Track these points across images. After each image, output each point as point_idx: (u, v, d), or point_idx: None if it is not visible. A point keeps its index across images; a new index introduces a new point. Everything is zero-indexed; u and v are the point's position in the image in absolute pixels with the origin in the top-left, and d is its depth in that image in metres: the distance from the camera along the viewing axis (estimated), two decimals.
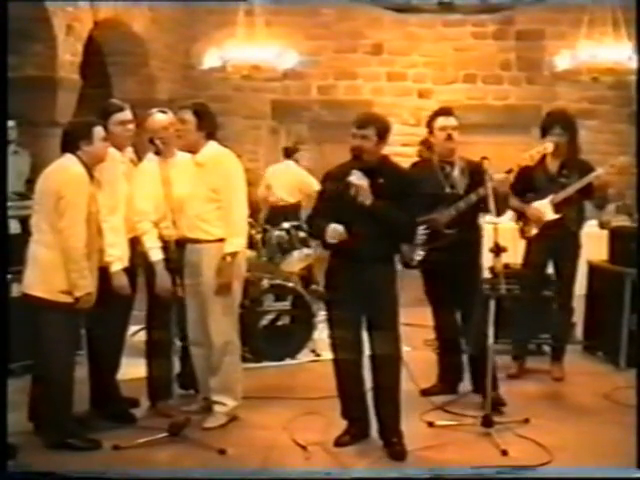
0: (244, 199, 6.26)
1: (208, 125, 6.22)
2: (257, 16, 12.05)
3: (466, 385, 6.98)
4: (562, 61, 12.12)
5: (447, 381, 7.04)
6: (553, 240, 7.34)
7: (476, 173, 6.58)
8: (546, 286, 7.86)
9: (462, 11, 14.37)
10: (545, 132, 7.40)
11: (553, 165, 7.40)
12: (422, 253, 6.67)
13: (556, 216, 7.22)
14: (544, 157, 7.42)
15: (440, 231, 6.65)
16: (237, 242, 6.13)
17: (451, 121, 6.81)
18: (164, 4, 13.32)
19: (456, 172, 6.73)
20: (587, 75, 11.91)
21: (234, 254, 6.08)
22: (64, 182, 5.56)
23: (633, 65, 11.30)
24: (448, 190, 6.66)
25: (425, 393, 6.84)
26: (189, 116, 6.16)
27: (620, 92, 13.28)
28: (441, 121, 6.82)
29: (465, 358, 6.98)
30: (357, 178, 5.61)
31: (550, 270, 7.71)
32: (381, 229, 5.66)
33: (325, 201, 5.95)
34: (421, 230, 6.70)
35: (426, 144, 11.55)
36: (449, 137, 6.75)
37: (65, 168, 5.64)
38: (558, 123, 7.40)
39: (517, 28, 14.44)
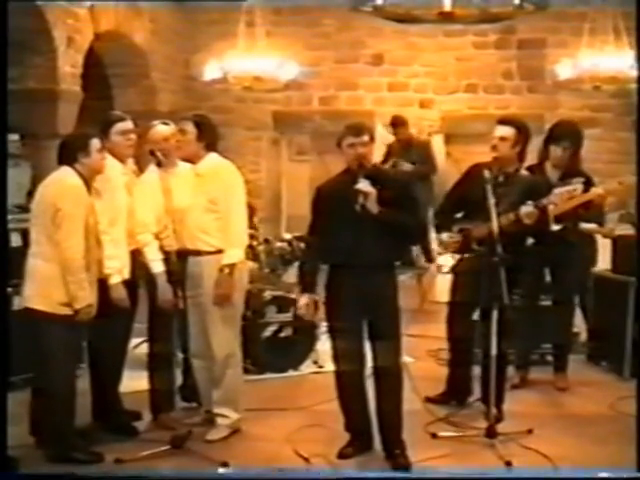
0: (243, 210, 6.24)
1: (208, 136, 6.21)
2: (258, 27, 12.05)
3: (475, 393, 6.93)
4: (564, 70, 12.11)
5: (456, 393, 6.97)
6: (551, 251, 7.29)
7: (530, 191, 6.45)
8: (545, 295, 7.82)
9: (463, 21, 14.31)
10: (551, 141, 7.34)
11: (554, 176, 7.28)
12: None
13: (557, 227, 7.14)
14: (544, 167, 7.37)
15: (470, 244, 6.59)
16: (235, 253, 6.11)
17: (500, 131, 6.63)
18: (165, 15, 13.33)
19: (509, 186, 6.39)
20: (589, 84, 11.90)
21: (232, 265, 6.07)
22: (61, 194, 5.55)
23: (635, 73, 11.30)
24: (492, 202, 6.19)
25: (430, 400, 6.84)
26: (190, 127, 6.15)
27: (622, 100, 13.26)
28: (495, 130, 6.69)
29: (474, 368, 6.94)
30: (365, 185, 5.59)
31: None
32: (383, 237, 5.66)
33: (322, 215, 5.92)
34: (452, 236, 6.67)
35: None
36: (493, 147, 6.63)
37: (62, 180, 5.63)
38: (567, 136, 7.31)
39: (518, 37, 14.44)
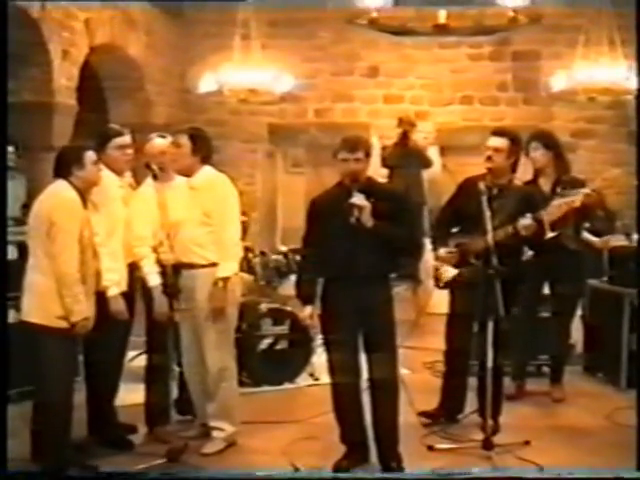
0: (237, 223, 6.24)
1: (203, 149, 6.21)
2: (253, 40, 12.06)
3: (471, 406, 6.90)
4: (558, 81, 12.14)
5: (449, 408, 6.93)
6: (550, 260, 7.30)
7: (525, 202, 6.48)
8: (543, 306, 7.81)
9: (458, 33, 14.38)
10: (527, 148, 7.42)
11: (546, 185, 7.37)
12: (450, 275, 6.66)
13: (552, 234, 7.13)
14: (536, 177, 7.42)
15: (468, 259, 6.56)
16: (229, 267, 6.10)
17: (494, 142, 6.59)
18: (160, 28, 13.35)
19: (504, 198, 6.45)
20: (584, 95, 11.93)
21: (226, 279, 6.06)
22: (55, 208, 5.53)
23: (630, 85, 11.33)
24: (487, 215, 6.19)
25: (423, 415, 6.80)
26: (184, 140, 6.15)
27: (617, 112, 13.31)
28: (489, 141, 6.66)
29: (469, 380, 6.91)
30: (360, 199, 5.59)
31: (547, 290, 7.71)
32: (377, 249, 5.66)
33: (317, 227, 5.91)
34: (451, 251, 6.66)
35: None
36: (488, 158, 6.59)
37: (56, 194, 5.61)
38: (535, 139, 7.48)
39: (513, 49, 14.47)
